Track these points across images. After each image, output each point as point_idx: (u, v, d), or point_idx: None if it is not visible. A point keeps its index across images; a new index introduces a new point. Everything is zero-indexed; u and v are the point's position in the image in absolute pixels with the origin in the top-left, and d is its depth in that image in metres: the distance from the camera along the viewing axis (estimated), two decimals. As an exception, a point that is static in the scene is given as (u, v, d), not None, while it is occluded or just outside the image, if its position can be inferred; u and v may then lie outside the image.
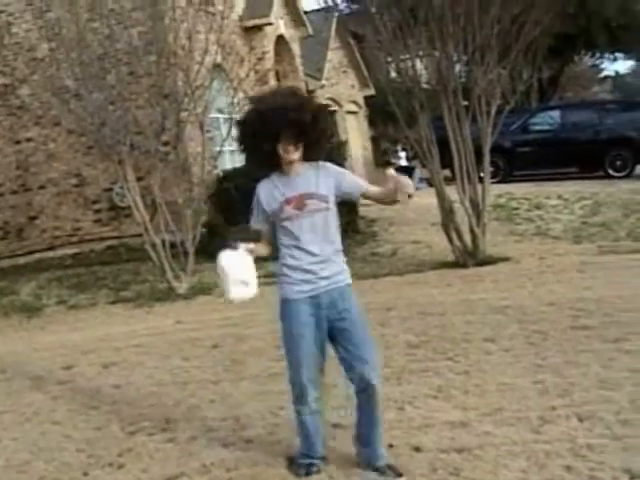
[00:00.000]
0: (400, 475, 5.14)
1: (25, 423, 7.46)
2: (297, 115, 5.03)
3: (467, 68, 14.01)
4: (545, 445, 5.38)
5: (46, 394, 8.43)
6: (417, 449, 5.50)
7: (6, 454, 6.60)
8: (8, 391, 8.88)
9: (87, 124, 14.55)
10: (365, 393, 5.23)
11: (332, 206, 5.27)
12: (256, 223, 5.48)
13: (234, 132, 5.46)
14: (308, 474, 5.32)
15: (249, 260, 5.36)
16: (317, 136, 5.21)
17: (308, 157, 5.23)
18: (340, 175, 5.32)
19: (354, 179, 5.41)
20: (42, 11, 17.42)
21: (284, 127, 5.02)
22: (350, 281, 5.50)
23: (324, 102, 5.48)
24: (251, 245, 5.36)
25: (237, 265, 5.34)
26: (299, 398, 5.38)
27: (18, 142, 19.36)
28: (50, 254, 18.62)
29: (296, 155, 5.14)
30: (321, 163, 5.33)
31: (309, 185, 5.19)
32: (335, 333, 5.38)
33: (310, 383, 5.33)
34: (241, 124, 5.31)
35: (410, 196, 4.90)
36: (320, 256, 5.28)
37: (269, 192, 5.30)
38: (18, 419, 7.65)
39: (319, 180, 5.22)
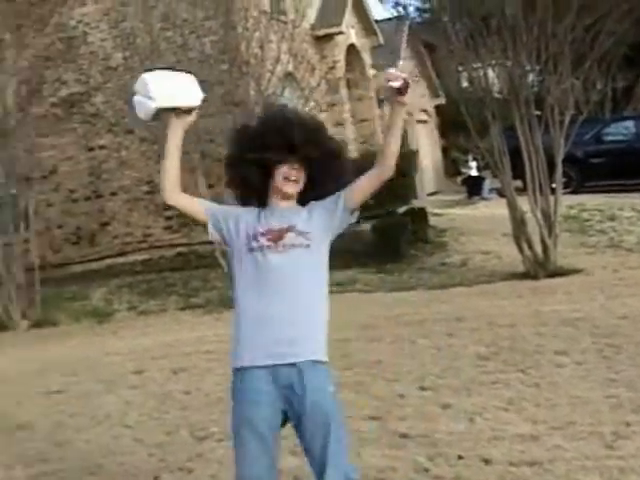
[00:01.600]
0: None
1: (97, 426, 7.55)
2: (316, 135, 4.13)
3: (540, 77, 13.89)
4: (619, 461, 5.27)
5: (118, 398, 8.53)
6: (487, 461, 5.43)
7: (79, 456, 6.68)
8: (81, 394, 9.00)
9: (159, 132, 14.69)
10: None
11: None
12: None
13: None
14: None
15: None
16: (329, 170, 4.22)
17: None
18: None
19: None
20: (117, 21, 17.70)
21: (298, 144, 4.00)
22: None
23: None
24: None
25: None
26: None
27: (91, 149, 19.64)
28: (121, 260, 18.84)
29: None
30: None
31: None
32: None
33: None
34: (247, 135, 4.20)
35: (400, 91, 4.00)
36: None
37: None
38: (91, 422, 7.74)
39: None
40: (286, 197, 4.05)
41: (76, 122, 19.66)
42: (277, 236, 3.96)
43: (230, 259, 4.09)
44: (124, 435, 7.14)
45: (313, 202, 4.11)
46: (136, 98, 4.17)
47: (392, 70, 4.01)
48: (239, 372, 3.93)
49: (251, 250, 3.96)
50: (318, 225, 4.07)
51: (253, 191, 4.09)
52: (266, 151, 3.96)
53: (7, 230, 15.56)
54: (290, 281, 3.96)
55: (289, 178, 4.01)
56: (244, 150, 4.06)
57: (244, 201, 4.15)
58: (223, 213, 4.08)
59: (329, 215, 4.10)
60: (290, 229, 3.98)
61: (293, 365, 3.92)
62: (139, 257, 18.81)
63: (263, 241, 3.95)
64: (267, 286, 3.93)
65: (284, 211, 4.03)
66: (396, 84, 3.98)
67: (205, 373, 9.09)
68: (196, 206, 4.08)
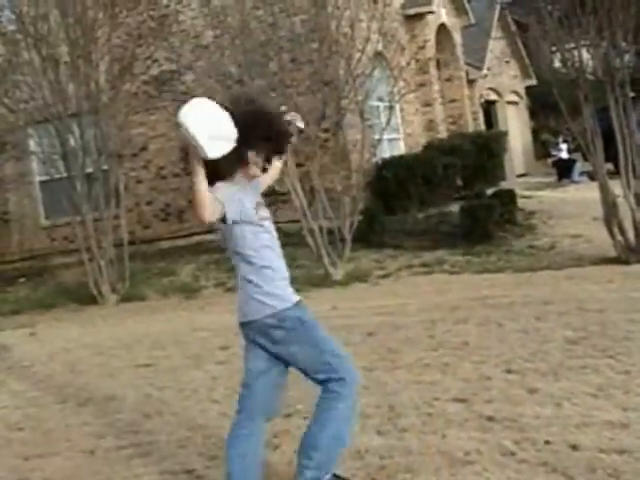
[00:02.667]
0: None
1: (185, 400, 7.66)
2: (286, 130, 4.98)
3: (636, 58, 13.59)
4: None
5: (205, 373, 8.64)
6: (575, 447, 5.35)
7: (167, 429, 6.78)
8: (169, 368, 9.14)
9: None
10: None
11: None
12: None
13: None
14: None
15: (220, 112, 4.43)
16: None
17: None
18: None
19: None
20: (208, -1, 17.79)
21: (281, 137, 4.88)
22: None
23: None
24: None
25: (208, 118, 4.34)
26: None
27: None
28: (209, 237, 18.98)
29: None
30: None
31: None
32: None
33: None
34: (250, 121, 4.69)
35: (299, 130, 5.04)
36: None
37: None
38: (179, 395, 7.86)
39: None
40: (252, 177, 4.81)
41: (167, 100, 19.82)
42: (264, 209, 4.80)
43: (238, 232, 4.62)
44: (211, 409, 7.22)
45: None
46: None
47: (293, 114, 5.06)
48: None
49: (262, 220, 4.71)
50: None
51: (226, 171, 4.61)
52: (243, 142, 4.53)
53: (98, 206, 15.83)
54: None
55: (257, 164, 4.78)
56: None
57: (212, 178, 4.46)
58: (230, 197, 4.52)
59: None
60: (262, 204, 4.82)
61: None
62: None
63: (263, 213, 4.76)
64: (278, 248, 4.89)
65: (253, 187, 4.83)
66: (300, 125, 4.99)
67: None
68: (218, 207, 4.45)
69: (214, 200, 4.38)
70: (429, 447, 5.58)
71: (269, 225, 4.78)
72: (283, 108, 5.26)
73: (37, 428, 7.45)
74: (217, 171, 4.48)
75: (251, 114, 4.77)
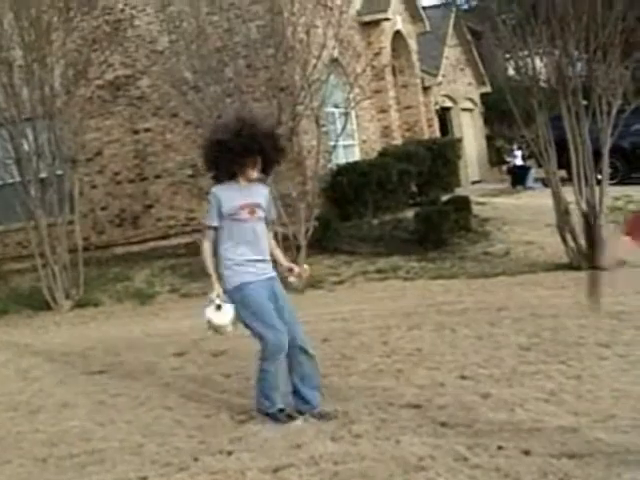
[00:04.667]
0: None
1: (138, 407, 7.62)
2: (274, 143, 6.65)
3: (588, 67, 13.74)
4: (661, 455, 5.22)
5: (159, 379, 8.60)
6: (527, 452, 5.40)
7: (120, 436, 6.74)
8: (122, 374, 9.08)
9: (204, 116, 14.76)
10: None
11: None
12: (213, 221, 6.55)
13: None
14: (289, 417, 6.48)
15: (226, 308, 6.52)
16: (278, 159, 6.76)
17: (263, 172, 6.73)
18: (269, 198, 6.72)
19: (273, 208, 6.91)
20: (164, 5, 17.71)
21: (264, 150, 6.46)
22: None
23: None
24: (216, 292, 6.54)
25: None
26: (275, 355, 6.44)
27: (137, 132, 19.72)
28: (164, 243, 18.93)
29: (257, 173, 6.57)
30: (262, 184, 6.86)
31: (258, 197, 6.58)
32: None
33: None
34: (227, 141, 6.38)
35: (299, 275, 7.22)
36: (262, 255, 6.64)
37: (229, 196, 6.50)
38: (132, 403, 7.81)
39: (261, 195, 6.63)
40: (251, 180, 6.57)
41: (122, 105, 19.74)
42: (251, 210, 6.51)
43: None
44: (165, 416, 7.19)
45: (266, 191, 6.74)
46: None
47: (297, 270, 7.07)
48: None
49: (238, 220, 6.50)
50: (266, 208, 6.66)
51: (227, 173, 6.56)
52: (243, 150, 6.37)
53: (52, 211, 15.70)
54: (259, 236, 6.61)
55: (255, 167, 6.50)
56: (227, 147, 6.36)
57: (219, 178, 6.65)
58: (220, 214, 6.53)
59: (268, 208, 6.70)
60: (258, 205, 6.55)
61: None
62: (182, 240, 18.85)
63: (244, 214, 6.48)
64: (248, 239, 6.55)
65: (251, 189, 6.58)
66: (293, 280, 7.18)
67: (245, 357, 9.11)
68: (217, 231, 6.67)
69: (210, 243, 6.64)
70: (383, 453, 5.61)
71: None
72: None
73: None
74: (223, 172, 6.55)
75: (257, 130, 6.48)
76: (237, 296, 6.49)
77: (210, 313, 6.52)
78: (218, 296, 6.47)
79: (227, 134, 6.40)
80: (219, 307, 6.46)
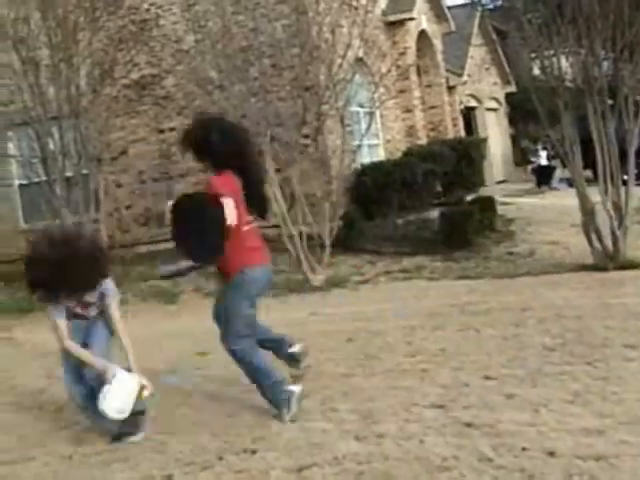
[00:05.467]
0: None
1: (162, 405, 7.61)
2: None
3: (614, 66, 13.65)
4: (687, 458, 5.18)
5: (183, 379, 8.60)
6: (552, 454, 5.37)
7: (145, 434, 6.74)
8: (146, 373, 9.06)
9: (229, 115, 14.77)
10: None
11: None
12: None
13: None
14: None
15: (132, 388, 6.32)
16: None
17: None
18: None
19: None
20: (189, 4, 17.77)
21: None
22: None
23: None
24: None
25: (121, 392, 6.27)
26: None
27: (162, 131, 19.77)
28: (189, 242, 18.91)
29: None
30: None
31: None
32: None
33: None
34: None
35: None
36: None
37: None
38: (154, 400, 7.79)
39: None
40: None
41: (147, 104, 19.81)
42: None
43: None
44: (188, 415, 7.21)
45: None
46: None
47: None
48: None
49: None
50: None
51: None
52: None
53: (77, 210, 15.76)
54: None
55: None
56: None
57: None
58: None
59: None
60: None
61: None
62: (206, 239, 18.86)
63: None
64: None
65: None
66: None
67: (271, 357, 9.12)
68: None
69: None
70: (407, 453, 5.60)
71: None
72: None
73: (12, 433, 7.42)
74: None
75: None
76: None
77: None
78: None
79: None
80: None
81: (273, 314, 11.95)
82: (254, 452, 5.97)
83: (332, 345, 9.37)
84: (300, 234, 14.33)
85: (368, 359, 8.54)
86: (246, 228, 6.57)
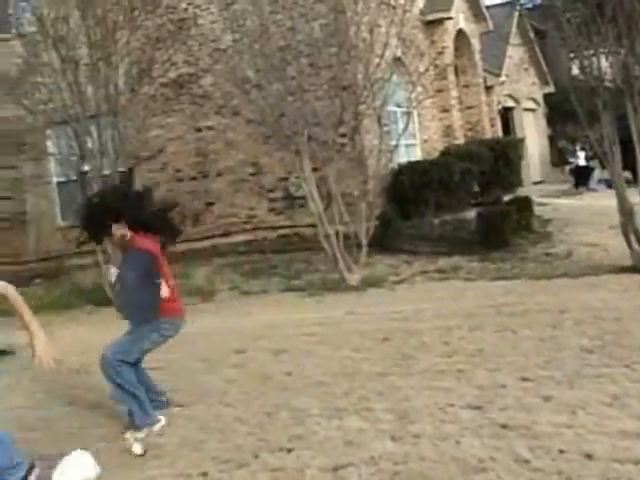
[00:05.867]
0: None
1: (198, 403, 7.65)
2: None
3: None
4: None
5: (219, 377, 8.63)
6: (589, 456, 5.33)
7: (180, 432, 6.79)
8: (182, 370, 9.12)
9: (266, 114, 14.81)
10: None
11: None
12: None
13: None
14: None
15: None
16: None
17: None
18: None
19: None
20: (227, 3, 17.82)
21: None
22: None
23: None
24: None
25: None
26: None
27: (199, 130, 19.84)
28: (225, 240, 19.01)
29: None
30: None
31: None
32: None
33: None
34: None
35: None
36: None
37: None
38: (191, 398, 7.84)
39: None
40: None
41: (184, 103, 19.89)
42: None
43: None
44: (224, 413, 7.22)
45: None
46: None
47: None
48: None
49: None
50: None
51: None
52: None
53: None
54: None
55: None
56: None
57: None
58: None
59: None
60: None
61: None
62: (243, 238, 18.95)
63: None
64: None
65: None
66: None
67: (306, 355, 9.14)
68: None
69: None
70: (443, 454, 5.58)
71: None
72: None
73: (49, 429, 7.47)
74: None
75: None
76: None
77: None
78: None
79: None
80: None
81: (308, 313, 12.00)
82: (290, 450, 5.99)
83: (368, 344, 9.36)
84: (337, 233, 14.32)
85: (404, 359, 8.53)
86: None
